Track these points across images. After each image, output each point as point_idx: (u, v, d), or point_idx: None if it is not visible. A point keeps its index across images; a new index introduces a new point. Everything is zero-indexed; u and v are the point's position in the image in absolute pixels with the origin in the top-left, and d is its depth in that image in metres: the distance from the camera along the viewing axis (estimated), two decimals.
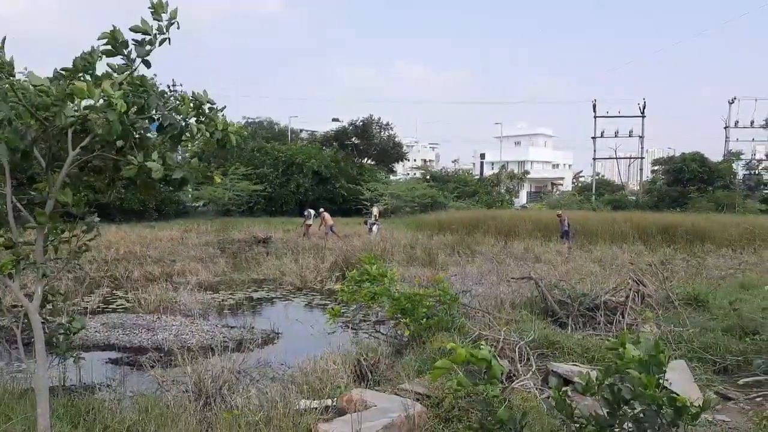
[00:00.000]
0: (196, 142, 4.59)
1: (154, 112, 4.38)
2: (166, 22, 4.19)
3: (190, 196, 39.31)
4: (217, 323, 10.54)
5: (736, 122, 56.16)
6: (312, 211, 28.81)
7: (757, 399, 6.05)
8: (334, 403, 5.46)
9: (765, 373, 6.80)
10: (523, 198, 64.01)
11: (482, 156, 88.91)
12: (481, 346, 4.33)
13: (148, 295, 11.95)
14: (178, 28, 4.35)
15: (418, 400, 5.30)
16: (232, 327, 10.20)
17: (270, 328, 10.03)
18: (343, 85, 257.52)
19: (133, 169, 4.17)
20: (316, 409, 5.27)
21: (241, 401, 5.77)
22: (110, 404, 5.54)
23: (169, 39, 4.27)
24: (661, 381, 3.04)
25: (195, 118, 4.65)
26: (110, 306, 11.88)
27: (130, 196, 31.14)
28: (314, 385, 6.21)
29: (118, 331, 9.65)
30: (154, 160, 4.18)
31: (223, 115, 4.75)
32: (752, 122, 54.92)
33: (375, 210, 32.10)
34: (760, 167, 56.96)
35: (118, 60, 4.39)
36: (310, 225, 27.79)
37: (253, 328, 10.08)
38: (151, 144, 4.55)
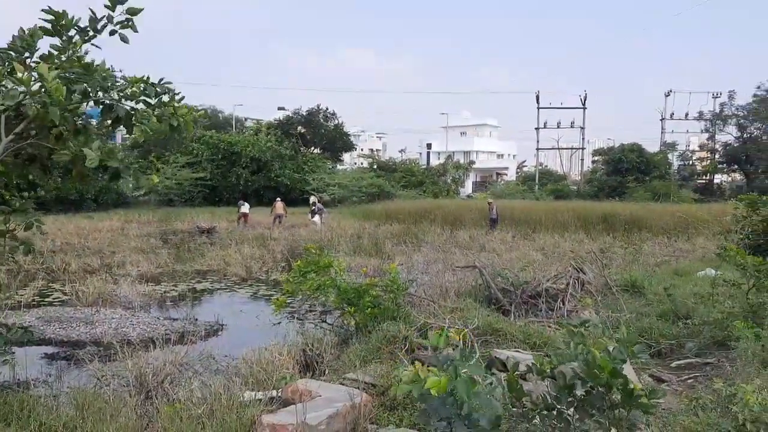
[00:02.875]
0: (143, 128, 4.46)
1: (97, 95, 4.24)
2: (121, 17, 4.06)
3: (130, 185, 38.18)
4: (159, 316, 10.32)
5: (672, 114, 58.16)
6: (244, 203, 29.04)
7: (689, 381, 6.31)
8: (279, 394, 5.41)
9: (696, 356, 7.10)
10: (468, 188, 64.78)
11: (429, 146, 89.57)
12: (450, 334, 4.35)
13: (87, 288, 11.59)
14: (135, 31, 4.23)
15: (364, 389, 5.30)
16: (174, 319, 9.99)
17: (214, 320, 9.88)
18: (289, 73, 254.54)
19: (67, 156, 4.02)
20: (260, 400, 5.22)
21: (183, 394, 5.66)
22: (46, 401, 5.34)
23: (122, 35, 4.14)
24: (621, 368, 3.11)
25: (144, 104, 4.53)
26: (46, 299, 11.46)
27: (67, 186, 30.08)
28: (259, 376, 6.15)
29: (54, 325, 9.32)
30: (92, 149, 4.04)
31: (182, 100, 4.65)
32: (687, 114, 56.94)
33: (313, 199, 32.16)
34: (693, 158, 59.26)
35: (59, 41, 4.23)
36: (246, 214, 27.72)
37: (196, 320, 9.91)
38: (92, 130, 4.40)
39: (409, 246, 19.13)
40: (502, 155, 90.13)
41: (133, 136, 4.51)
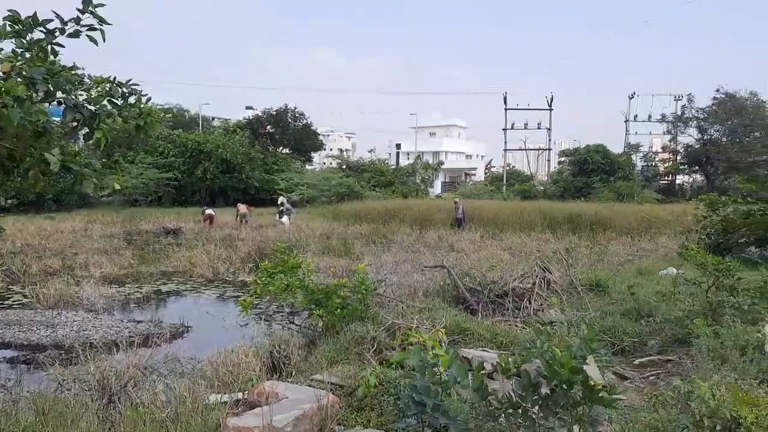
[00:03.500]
0: (104, 131, 4.39)
1: (61, 95, 4.16)
2: (90, 18, 3.98)
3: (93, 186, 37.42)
4: (122, 318, 10.14)
5: (635, 116, 59.28)
6: (208, 207, 29.07)
7: (651, 378, 6.43)
8: (246, 397, 5.36)
9: (658, 353, 7.24)
10: (437, 188, 65.08)
11: (398, 146, 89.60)
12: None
13: (48, 290, 11.33)
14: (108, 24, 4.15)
15: (331, 390, 5.29)
16: (138, 321, 9.83)
17: (179, 322, 9.75)
18: (258, 72, 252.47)
19: (32, 160, 3.93)
20: (226, 403, 5.16)
21: (147, 398, 5.56)
22: (5, 406, 5.21)
23: (90, 37, 4.07)
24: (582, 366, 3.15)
25: (109, 104, 4.45)
26: (5, 302, 11.17)
27: (26, 186, 29.37)
28: (225, 378, 6.08)
29: (14, 329, 9.10)
30: (53, 152, 3.96)
31: (150, 102, 4.59)
32: (650, 117, 58.08)
33: (281, 200, 32.06)
34: (656, 159, 60.52)
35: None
36: (212, 216, 27.53)
37: (161, 322, 9.76)
38: (55, 132, 4.31)
39: (378, 246, 19.15)
40: (471, 156, 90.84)
41: (95, 138, 4.43)
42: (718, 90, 50.31)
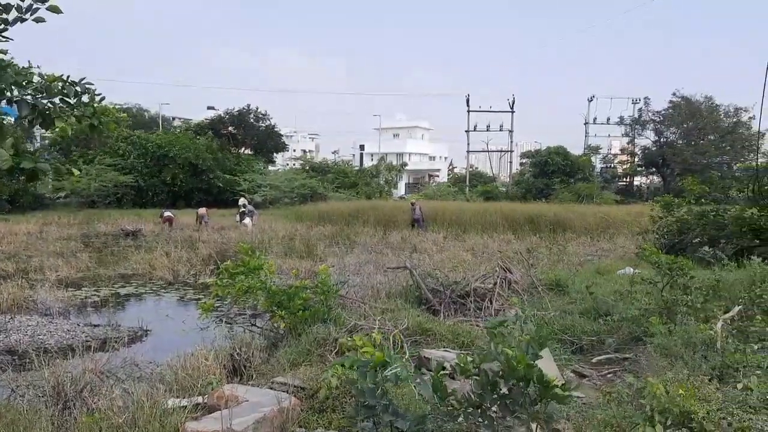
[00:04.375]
0: (62, 126, 4.29)
1: (11, 93, 4.05)
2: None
3: (50, 186, 36.52)
4: (79, 322, 9.90)
5: (595, 119, 60.47)
6: (167, 210, 29.10)
7: (608, 375, 6.56)
8: (205, 401, 5.30)
9: (616, 351, 7.39)
10: (401, 189, 65.33)
11: (362, 147, 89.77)
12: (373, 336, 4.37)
13: (0, 294, 11.00)
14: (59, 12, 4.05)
15: (292, 392, 5.26)
16: (95, 325, 9.62)
17: (138, 326, 9.57)
18: (219, 72, 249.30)
19: None
20: (185, 407, 5.09)
21: (103, 404, 5.45)
22: None
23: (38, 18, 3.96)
24: (535, 363, 3.20)
25: (63, 102, 4.35)
26: None
27: None
28: (184, 382, 5.99)
29: None
30: (4, 149, 3.85)
31: (102, 100, 4.50)
32: (608, 119, 59.33)
33: (242, 201, 31.83)
34: (615, 161, 61.85)
35: None
36: (171, 218, 27.24)
37: (119, 325, 9.58)
38: (6, 130, 4.20)
39: (341, 247, 19.10)
40: (434, 157, 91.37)
41: (53, 134, 4.35)
42: (674, 93, 51.74)
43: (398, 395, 4.88)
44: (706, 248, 14.08)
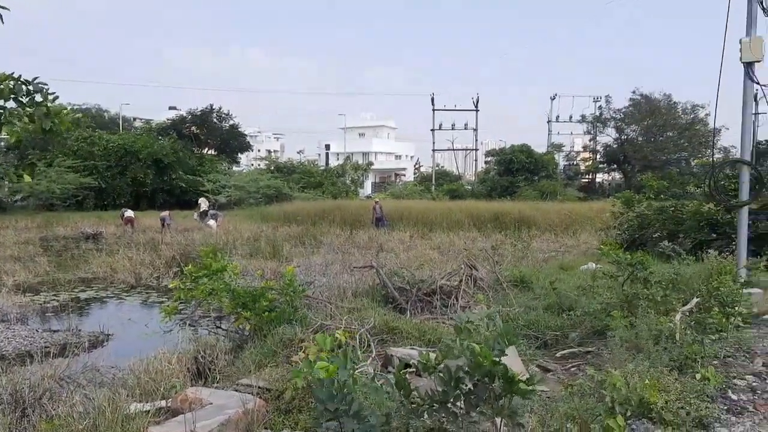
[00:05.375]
0: (9, 131, 4.17)
1: None
2: None
3: (6, 189, 35.54)
4: (38, 328, 9.66)
5: (557, 117, 61.48)
6: (128, 209, 28.89)
7: (572, 369, 6.65)
8: (169, 404, 5.21)
9: (579, 345, 7.50)
10: (368, 188, 65.31)
11: (327, 147, 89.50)
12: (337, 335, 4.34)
13: None
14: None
15: (258, 394, 5.21)
16: (55, 331, 9.39)
17: (99, 330, 9.37)
18: (181, 72, 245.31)
19: None
20: (148, 412, 4.99)
21: (63, 410, 5.32)
22: None
23: None
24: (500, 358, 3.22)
25: (16, 102, 4.23)
26: None
27: None
28: (147, 387, 5.89)
29: None
30: None
31: (57, 102, 4.38)
32: (571, 117, 60.35)
33: (202, 202, 31.41)
34: (578, 158, 62.91)
35: None
36: (132, 219, 26.82)
37: (79, 330, 9.37)
38: None
39: (307, 248, 19.02)
40: (401, 156, 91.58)
41: (4, 136, 4.22)
42: (634, 92, 52.82)
43: (364, 393, 4.87)
44: (666, 243, 14.37)
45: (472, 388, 3.20)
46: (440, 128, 59.71)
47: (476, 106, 58.15)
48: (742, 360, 6.09)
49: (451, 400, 3.25)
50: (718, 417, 4.42)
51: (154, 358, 6.65)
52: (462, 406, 3.28)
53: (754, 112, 15.64)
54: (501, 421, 3.12)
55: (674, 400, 4.31)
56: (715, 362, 5.82)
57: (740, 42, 9.84)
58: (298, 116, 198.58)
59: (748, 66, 9.99)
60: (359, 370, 6.04)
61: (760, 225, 13.13)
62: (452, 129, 60.82)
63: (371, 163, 65.31)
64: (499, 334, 3.05)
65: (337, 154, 78.68)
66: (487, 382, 2.93)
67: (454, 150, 67.05)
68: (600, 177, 61.02)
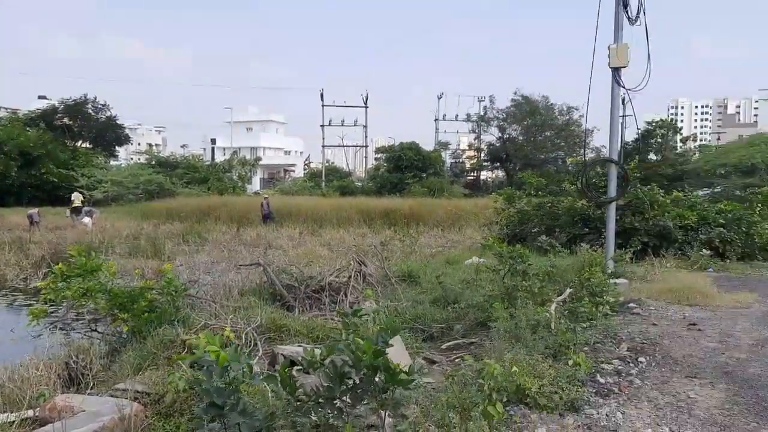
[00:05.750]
0: None
1: None
2: None
3: None
4: None
5: (444, 116, 63.19)
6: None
7: (456, 360, 6.85)
8: (36, 414, 4.84)
9: (463, 337, 7.75)
10: (256, 184, 64.09)
11: (213, 141, 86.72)
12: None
13: None
14: None
15: (136, 398, 4.95)
16: None
17: None
18: (53, 62, 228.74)
19: None
20: (12, 423, 4.62)
21: None
22: None
23: None
24: (384, 350, 3.24)
25: None
26: None
27: None
28: (12, 396, 5.43)
29: None
30: None
31: None
32: (456, 116, 62.24)
33: (75, 197, 29.53)
34: (463, 156, 65.06)
35: None
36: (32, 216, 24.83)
37: None
38: None
39: (191, 245, 18.37)
40: (290, 152, 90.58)
41: None
42: (515, 92, 55.30)
43: (250, 393, 4.77)
44: (544, 237, 15.23)
45: (357, 383, 3.21)
46: (330, 124, 59.66)
47: (366, 103, 58.59)
48: (609, 346, 6.55)
49: (338, 395, 3.24)
50: (588, 399, 4.72)
51: (19, 365, 6.15)
52: (349, 400, 3.28)
53: (621, 114, 16.81)
54: (386, 414, 3.16)
55: (548, 385, 4.56)
56: (586, 348, 6.22)
57: (609, 48, 10.57)
58: (182, 109, 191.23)
59: (616, 71, 10.74)
60: (239, 370, 5.91)
61: (626, 220, 14.17)
62: (342, 125, 60.96)
63: (259, 159, 64.10)
64: (381, 328, 3.08)
65: (224, 149, 76.47)
66: (371, 375, 2.95)
67: (344, 146, 67.27)
68: (484, 174, 63.44)
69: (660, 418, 4.49)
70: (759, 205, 16.59)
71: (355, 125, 60.59)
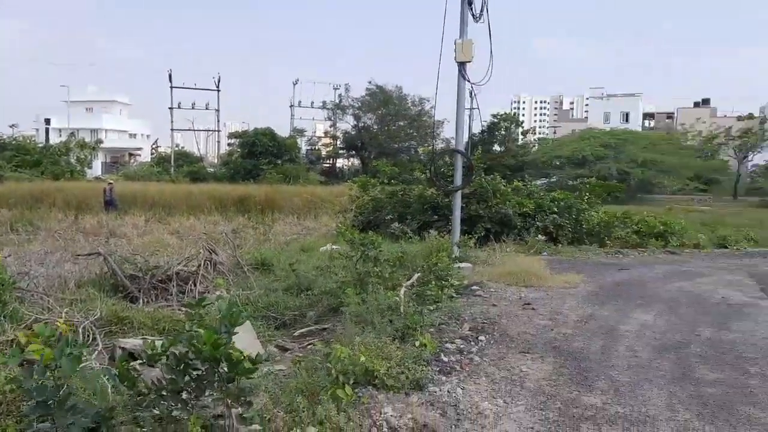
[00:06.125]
0: None
1: None
2: None
3: None
4: None
5: (300, 102, 62.92)
6: None
7: (309, 346, 6.90)
8: None
9: (316, 323, 7.82)
10: (97, 169, 59.91)
11: (47, 122, 79.55)
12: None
13: None
14: None
15: None
16: None
17: None
18: None
19: None
20: None
21: None
22: None
23: None
24: (227, 340, 3.17)
25: None
26: None
27: None
28: None
29: None
30: None
31: None
32: (312, 103, 62.21)
33: None
34: (319, 143, 65.13)
35: None
36: None
37: None
38: None
39: (21, 234, 16.80)
40: (135, 135, 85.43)
41: None
42: (370, 82, 56.24)
43: (86, 390, 4.48)
44: (396, 224, 15.67)
45: (202, 373, 3.13)
46: (179, 107, 57.15)
47: (218, 87, 56.79)
48: (453, 326, 6.91)
49: (182, 387, 3.14)
50: (432, 378, 4.96)
51: None
52: (192, 392, 3.20)
53: (469, 107, 17.69)
54: (231, 403, 3.11)
55: (396, 366, 4.73)
56: (432, 330, 6.51)
57: (455, 43, 11.05)
58: (12, 87, 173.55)
59: (462, 65, 11.26)
60: (83, 365, 5.54)
61: (472, 207, 14.98)
62: (193, 108, 58.61)
63: (100, 141, 59.83)
64: (222, 317, 3.02)
65: (60, 130, 70.42)
66: (214, 366, 2.89)
67: (194, 130, 64.73)
68: (340, 162, 64.04)
69: (495, 392, 4.83)
70: (587, 194, 18.21)
71: (207, 109, 58.56)
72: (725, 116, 70.76)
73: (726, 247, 16.20)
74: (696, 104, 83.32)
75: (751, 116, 61.22)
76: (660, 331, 6.99)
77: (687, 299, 8.98)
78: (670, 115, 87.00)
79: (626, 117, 79.42)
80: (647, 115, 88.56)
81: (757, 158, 57.70)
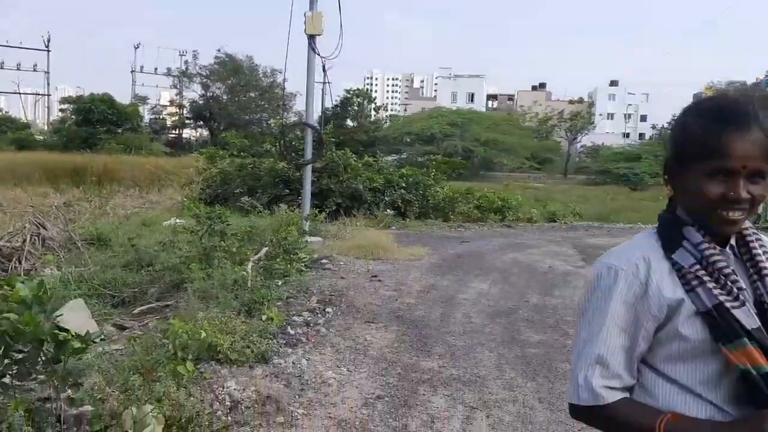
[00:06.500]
0: None
1: None
2: None
3: None
4: None
5: (142, 67, 59.07)
6: None
7: (149, 324, 6.63)
8: None
9: (157, 300, 7.50)
10: None
11: None
12: None
13: None
14: None
15: None
16: None
17: None
18: None
19: None
20: None
21: None
22: None
23: None
24: (50, 319, 2.96)
25: None
26: None
27: None
28: None
29: None
30: None
31: None
32: (156, 69, 58.68)
33: None
34: (164, 113, 61.75)
35: None
36: None
37: None
38: None
39: None
40: None
41: None
42: (219, 50, 54.07)
43: None
44: (246, 198, 15.37)
45: (25, 355, 2.93)
46: (3, 67, 51.53)
47: (47, 46, 51.84)
48: (301, 299, 6.98)
49: (2, 370, 2.92)
50: (278, 350, 4.99)
51: None
52: (14, 375, 2.98)
53: (322, 81, 17.59)
54: (58, 385, 2.93)
55: (240, 340, 4.70)
56: (280, 303, 6.53)
57: (304, 15, 10.95)
58: None
59: (311, 38, 11.19)
60: None
61: (323, 182, 15.06)
62: (18, 69, 53.08)
63: None
64: (32, 296, 2.81)
65: None
66: (38, 347, 2.71)
67: (20, 93, 58.67)
68: (187, 133, 61.19)
69: (340, 361, 4.96)
70: (434, 170, 19.00)
71: (34, 71, 53.29)
72: (558, 100, 76.59)
73: (555, 221, 17.73)
74: (534, 87, 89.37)
75: (581, 100, 66.91)
76: (494, 299, 7.54)
77: (519, 269, 9.74)
78: (510, 97, 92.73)
79: (471, 97, 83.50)
80: (491, 97, 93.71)
81: (585, 140, 63.15)
